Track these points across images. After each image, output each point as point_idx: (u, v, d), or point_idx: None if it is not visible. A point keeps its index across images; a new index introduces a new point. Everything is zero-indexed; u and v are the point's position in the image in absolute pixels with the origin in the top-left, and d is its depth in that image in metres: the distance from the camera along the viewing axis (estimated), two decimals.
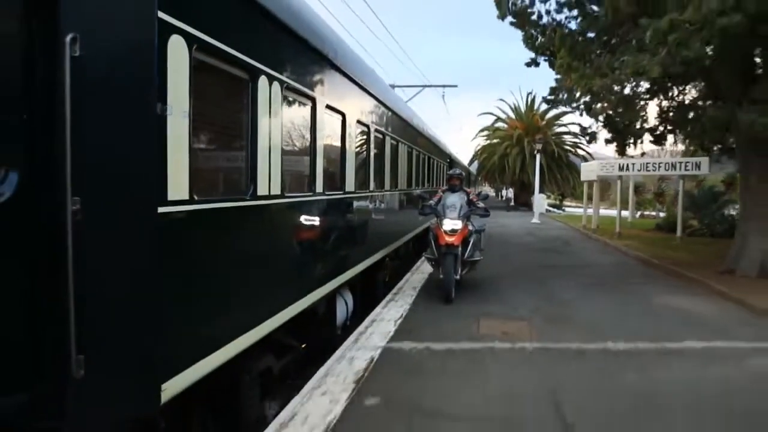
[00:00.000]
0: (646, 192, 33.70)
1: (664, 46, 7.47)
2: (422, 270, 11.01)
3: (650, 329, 6.61)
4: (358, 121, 7.06)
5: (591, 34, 10.34)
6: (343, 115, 6.29)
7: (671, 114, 12.20)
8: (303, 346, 5.71)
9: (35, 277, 2.51)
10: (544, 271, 11.14)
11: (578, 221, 24.62)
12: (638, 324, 6.90)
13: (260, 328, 4.01)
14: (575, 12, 10.40)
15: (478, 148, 43.61)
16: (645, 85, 11.11)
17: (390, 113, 9.46)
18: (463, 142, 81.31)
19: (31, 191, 2.50)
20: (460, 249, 8.09)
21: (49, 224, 2.49)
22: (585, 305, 8.00)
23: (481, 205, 8.67)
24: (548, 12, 10.80)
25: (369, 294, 8.64)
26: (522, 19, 10.85)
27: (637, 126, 12.31)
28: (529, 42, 11.23)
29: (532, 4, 10.76)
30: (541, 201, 30.58)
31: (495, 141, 41.27)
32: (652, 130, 12.63)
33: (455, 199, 8.35)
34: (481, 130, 43.61)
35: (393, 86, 17.81)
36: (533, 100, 40.64)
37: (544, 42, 10.96)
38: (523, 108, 41.52)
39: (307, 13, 5.19)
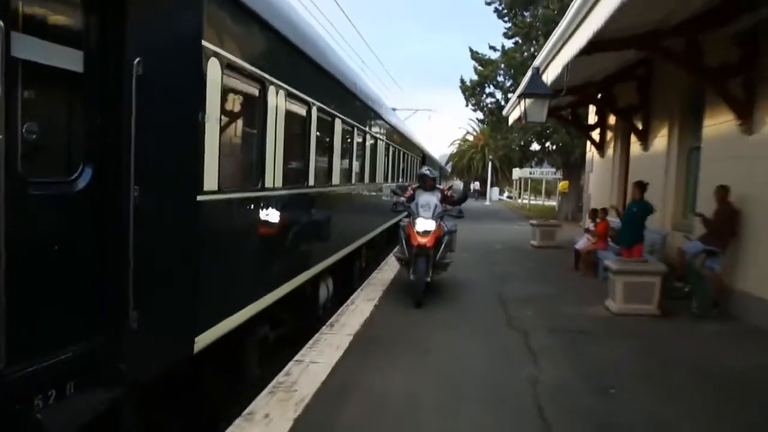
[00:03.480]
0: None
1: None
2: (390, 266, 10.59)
3: (502, 222, 24.37)
4: (345, 122, 7.79)
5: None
6: (333, 117, 7.03)
7: (540, 153, 29.69)
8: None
9: (104, 248, 3.20)
10: (482, 218, 24.55)
11: (512, 203, 48.06)
12: (502, 222, 24.43)
13: (265, 298, 4.74)
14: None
15: (453, 152, 60.88)
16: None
17: (372, 115, 10.22)
18: (437, 135, 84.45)
19: (103, 181, 3.17)
20: (432, 251, 7.54)
21: (116, 207, 3.18)
22: (489, 220, 24.94)
23: (457, 207, 8.33)
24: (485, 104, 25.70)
25: (347, 279, 9.40)
26: (476, 102, 25.91)
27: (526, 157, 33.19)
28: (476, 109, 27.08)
29: (482, 95, 25.29)
30: (494, 192, 52.28)
31: (464, 148, 58.90)
32: (534, 158, 33.32)
33: (429, 198, 7.81)
34: (454, 141, 62.24)
35: (394, 109, 20.01)
36: None
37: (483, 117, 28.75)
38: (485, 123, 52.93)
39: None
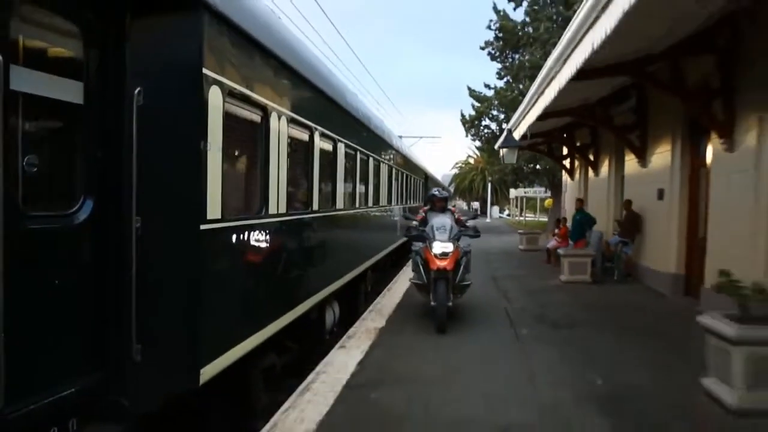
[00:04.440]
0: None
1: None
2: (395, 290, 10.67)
3: (499, 235, 27.99)
4: (348, 146, 7.79)
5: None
6: (335, 141, 7.02)
7: (530, 175, 31.19)
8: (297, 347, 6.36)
9: (106, 281, 3.15)
10: (482, 232, 20.56)
11: (511, 220, 51.44)
12: (499, 235, 27.98)
13: (272, 326, 4.67)
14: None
15: (455, 174, 67.41)
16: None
17: (375, 137, 10.24)
18: (441, 158, 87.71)
19: (104, 212, 3.14)
20: (451, 274, 7.26)
21: (117, 238, 3.14)
22: (487, 234, 22.23)
23: (470, 224, 8.15)
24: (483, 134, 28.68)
25: (353, 303, 9.32)
26: (475, 132, 28.85)
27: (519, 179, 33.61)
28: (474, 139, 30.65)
29: (480, 126, 28.21)
30: (494, 210, 58.71)
31: (466, 170, 64.61)
32: (526, 180, 33.68)
33: (443, 220, 7.58)
34: (456, 163, 69.71)
35: (401, 136, 20.96)
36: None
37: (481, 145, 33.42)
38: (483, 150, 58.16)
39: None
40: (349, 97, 8.33)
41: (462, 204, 68.65)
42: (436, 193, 8.36)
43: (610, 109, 12.12)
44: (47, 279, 2.84)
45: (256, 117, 4.48)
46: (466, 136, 29.95)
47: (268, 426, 4.13)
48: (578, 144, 16.67)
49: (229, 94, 3.80)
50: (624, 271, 11.61)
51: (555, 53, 7.89)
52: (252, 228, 4.35)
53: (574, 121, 14.54)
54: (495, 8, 25.01)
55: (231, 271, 3.97)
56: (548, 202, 33.52)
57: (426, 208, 8.34)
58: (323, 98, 6.36)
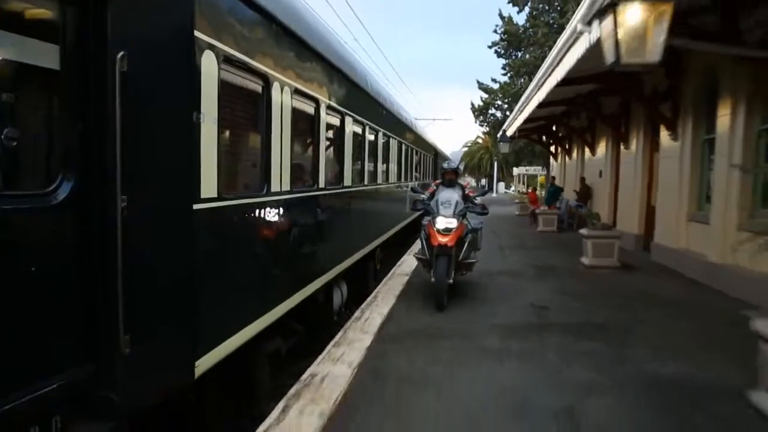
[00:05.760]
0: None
1: None
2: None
3: (502, 206, 29.06)
4: (356, 121, 7.43)
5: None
6: (342, 115, 6.66)
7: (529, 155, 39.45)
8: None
9: (90, 267, 2.86)
10: (492, 205, 20.53)
11: (513, 195, 51.00)
12: (502, 206, 29.02)
13: (276, 310, 4.40)
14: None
15: (465, 153, 70.09)
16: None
17: (383, 111, 9.85)
18: (452, 136, 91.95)
19: (86, 191, 2.84)
20: (454, 250, 7.09)
21: (100, 220, 2.84)
22: (496, 205, 25.70)
23: (478, 200, 7.86)
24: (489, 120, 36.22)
25: (362, 282, 9.07)
26: (483, 119, 36.47)
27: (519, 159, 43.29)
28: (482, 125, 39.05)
29: (487, 114, 36.01)
30: (500, 186, 61.24)
31: (474, 149, 67.55)
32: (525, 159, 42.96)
33: (450, 195, 7.37)
34: (467, 143, 72.60)
35: (416, 119, 20.83)
36: None
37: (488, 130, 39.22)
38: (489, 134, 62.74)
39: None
40: (358, 68, 7.94)
41: (471, 180, 69.66)
42: (445, 165, 8.11)
43: (599, 103, 14.75)
44: (22, 264, 2.56)
45: (256, 87, 4.13)
46: (476, 122, 36.96)
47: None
48: (576, 127, 19.43)
49: (225, 60, 3.47)
50: (577, 224, 16.31)
51: (538, 74, 11.14)
52: (252, 207, 4.05)
53: (569, 109, 17.12)
54: (500, 14, 31.10)
55: (229, 253, 3.68)
56: (541, 178, 37.66)
57: (438, 181, 8.07)
58: (330, 68, 5.98)
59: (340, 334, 5.95)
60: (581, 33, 7.14)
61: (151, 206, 2.95)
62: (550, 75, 10.10)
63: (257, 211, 4.13)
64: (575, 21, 7.16)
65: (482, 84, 34.61)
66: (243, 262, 3.92)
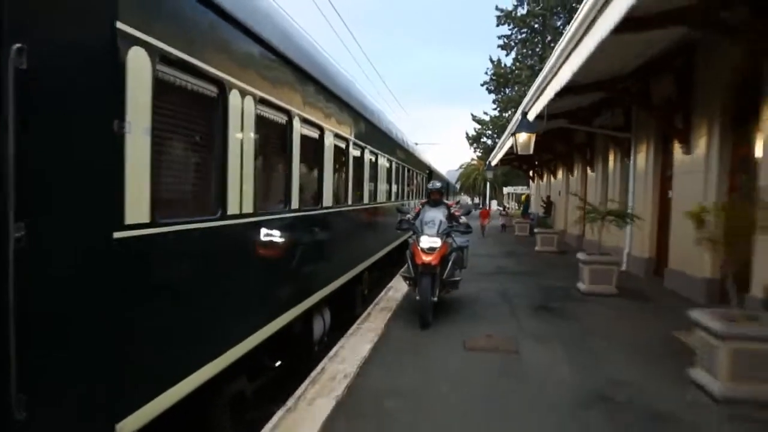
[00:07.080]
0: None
1: None
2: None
3: (490, 219, 27.44)
4: (336, 135, 6.89)
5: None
6: (321, 129, 6.12)
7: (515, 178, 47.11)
8: (277, 364, 5.51)
9: None
10: (478, 219, 26.74)
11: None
12: (490, 219, 27.35)
13: (236, 349, 3.81)
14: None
15: (461, 173, 74.30)
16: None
17: (370, 126, 9.31)
18: (447, 155, 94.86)
19: None
20: (438, 269, 7.28)
21: None
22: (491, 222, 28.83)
23: (463, 220, 8.01)
24: (482, 146, 45.45)
25: (348, 307, 8.47)
26: (476, 145, 45.45)
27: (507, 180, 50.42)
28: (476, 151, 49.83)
29: (480, 141, 45.32)
30: (492, 204, 61.68)
31: (469, 170, 70.89)
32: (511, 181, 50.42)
33: (434, 214, 7.55)
34: (462, 164, 76.07)
35: (416, 143, 21.63)
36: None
37: (480, 155, 48.52)
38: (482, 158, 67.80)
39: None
40: (341, 79, 7.41)
41: (467, 199, 70.55)
42: (431, 186, 8.19)
43: (599, 118, 15.52)
44: None
45: (209, 93, 3.57)
46: (470, 148, 46.14)
47: None
48: (543, 159, 25.16)
49: (162, 60, 2.92)
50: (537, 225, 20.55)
51: (538, 79, 10.36)
52: (203, 233, 3.47)
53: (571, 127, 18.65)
54: (491, 59, 39.31)
55: (167, 289, 3.09)
56: (524, 197, 45.42)
57: (423, 201, 8.20)
58: (304, 77, 5.43)
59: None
60: (508, 138, 15.01)
61: (57, 235, 2.38)
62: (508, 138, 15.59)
63: (209, 238, 3.55)
64: (520, 109, 11.72)
65: (475, 117, 44.07)
66: (188, 297, 3.33)
